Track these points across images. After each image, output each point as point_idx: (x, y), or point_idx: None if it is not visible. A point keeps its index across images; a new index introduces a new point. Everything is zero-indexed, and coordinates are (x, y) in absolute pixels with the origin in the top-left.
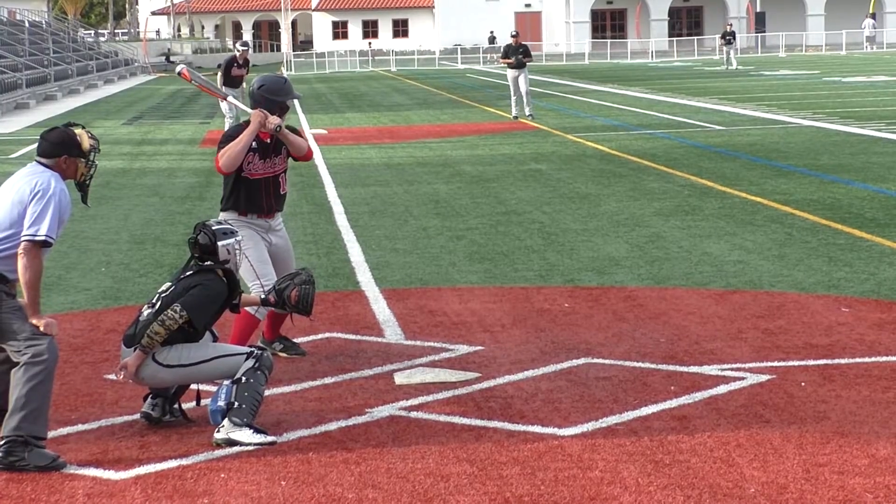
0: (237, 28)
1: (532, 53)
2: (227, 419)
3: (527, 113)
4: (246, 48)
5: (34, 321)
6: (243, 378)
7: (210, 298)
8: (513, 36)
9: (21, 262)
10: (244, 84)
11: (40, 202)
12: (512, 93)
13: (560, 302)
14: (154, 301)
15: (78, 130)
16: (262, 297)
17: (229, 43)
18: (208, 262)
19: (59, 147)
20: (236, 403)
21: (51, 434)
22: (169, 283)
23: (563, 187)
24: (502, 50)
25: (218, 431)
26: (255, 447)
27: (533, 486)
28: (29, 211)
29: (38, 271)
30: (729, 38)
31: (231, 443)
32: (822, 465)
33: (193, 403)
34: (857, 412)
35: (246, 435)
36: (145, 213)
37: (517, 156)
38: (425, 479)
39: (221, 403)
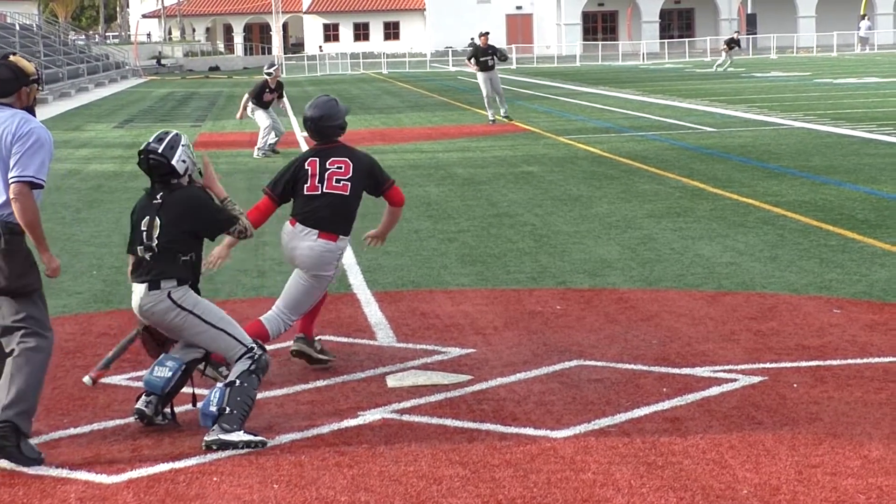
0: (228, 31)
1: (505, 54)
2: (217, 424)
3: (502, 114)
4: (273, 72)
5: (45, 259)
6: (237, 381)
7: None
8: (481, 35)
9: (17, 207)
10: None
11: (24, 144)
12: (484, 95)
13: (552, 304)
14: (144, 231)
15: (14, 58)
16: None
17: (220, 46)
18: (175, 182)
19: (14, 82)
20: (227, 409)
21: (43, 438)
22: (147, 218)
23: (555, 189)
24: (470, 51)
25: (208, 435)
26: (247, 451)
27: (525, 488)
28: (14, 154)
29: (35, 211)
30: (734, 44)
31: (222, 445)
32: (814, 466)
33: (189, 406)
34: (850, 413)
35: (237, 436)
36: None
37: (508, 158)
38: (418, 482)
39: (214, 408)
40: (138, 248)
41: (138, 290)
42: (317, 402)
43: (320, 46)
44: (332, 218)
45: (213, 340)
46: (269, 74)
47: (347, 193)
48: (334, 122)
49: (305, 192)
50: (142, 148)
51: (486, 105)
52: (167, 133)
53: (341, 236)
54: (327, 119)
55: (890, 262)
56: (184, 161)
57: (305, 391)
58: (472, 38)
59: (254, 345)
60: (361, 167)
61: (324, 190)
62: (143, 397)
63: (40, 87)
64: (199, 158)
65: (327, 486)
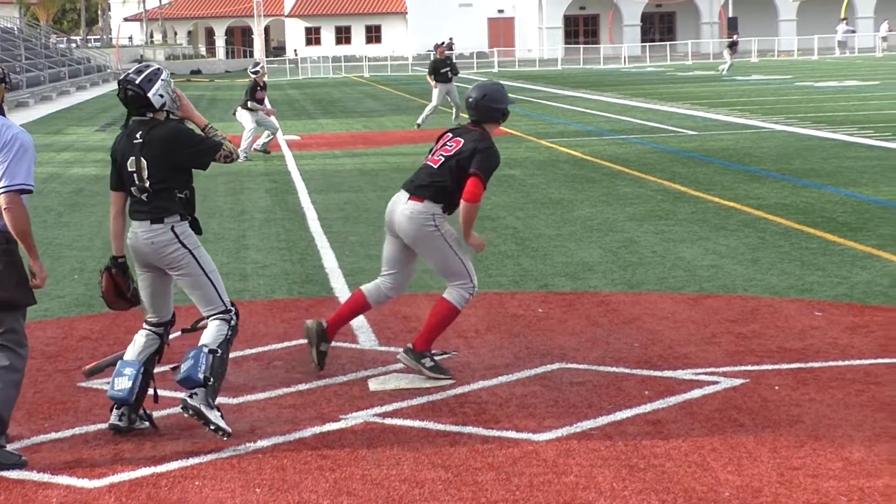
0: (210, 34)
1: (458, 69)
2: (202, 392)
3: (454, 122)
4: (260, 70)
5: (36, 267)
6: (219, 351)
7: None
8: (437, 47)
9: (9, 216)
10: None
11: (9, 151)
12: (433, 105)
13: (534, 307)
14: (134, 172)
15: None
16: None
17: (202, 49)
18: (151, 116)
19: None
20: (212, 380)
21: (24, 442)
22: (132, 158)
23: (537, 192)
24: (430, 66)
25: (191, 399)
26: (230, 454)
27: (508, 491)
28: (0, 162)
29: (27, 219)
30: (735, 46)
31: (198, 415)
32: (796, 468)
33: (169, 410)
34: (831, 416)
35: (214, 416)
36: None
37: None
38: (400, 486)
39: (200, 375)
40: (132, 189)
41: (139, 226)
42: (299, 405)
43: (295, 50)
44: (418, 182)
45: (200, 288)
46: (255, 73)
47: (436, 167)
48: (498, 104)
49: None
50: (121, 78)
51: (426, 111)
52: (148, 66)
53: (428, 200)
54: (489, 100)
55: (870, 264)
56: (161, 95)
57: (288, 395)
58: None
59: (232, 307)
60: (465, 148)
61: (427, 161)
62: (115, 410)
63: (7, 87)
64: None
65: (309, 489)
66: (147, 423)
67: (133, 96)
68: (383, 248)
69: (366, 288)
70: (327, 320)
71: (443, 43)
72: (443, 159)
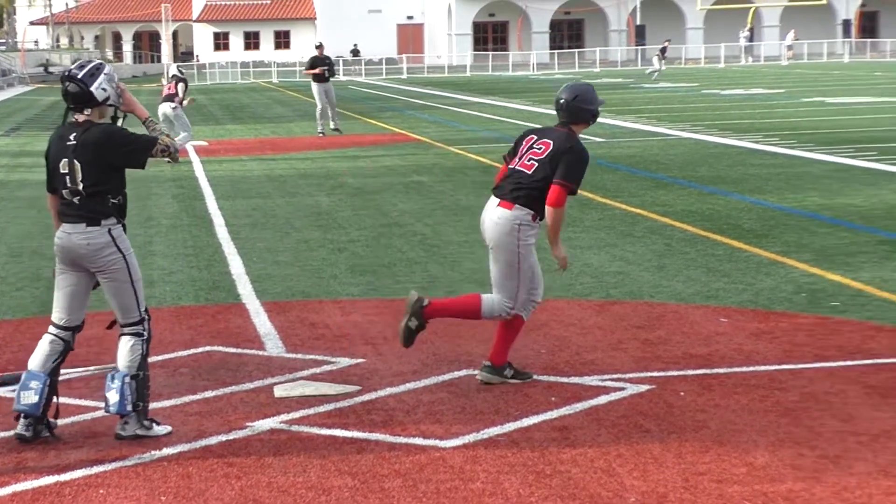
0: (117, 39)
1: (335, 70)
2: (134, 418)
3: (332, 127)
4: (178, 74)
5: None
6: (140, 374)
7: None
8: (317, 47)
9: None
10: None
11: None
12: (319, 107)
13: None
14: (67, 175)
15: None
16: None
17: (109, 54)
18: (85, 118)
19: None
20: (141, 405)
21: None
22: (64, 160)
23: (445, 199)
24: (308, 62)
25: (124, 429)
26: (134, 462)
27: (415, 498)
28: None
29: None
30: (664, 52)
31: (139, 438)
32: (701, 473)
33: (75, 417)
34: (736, 421)
35: (154, 432)
36: (23, 226)
37: (399, 168)
38: (307, 493)
39: (129, 407)
40: (64, 192)
41: (72, 227)
42: (205, 413)
43: (197, 56)
44: (510, 187)
45: (123, 295)
46: (175, 77)
47: (530, 172)
48: (589, 104)
49: (509, 165)
50: (63, 74)
51: (318, 116)
52: (90, 61)
53: (518, 206)
54: (581, 101)
55: (775, 271)
56: (104, 89)
57: (194, 402)
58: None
59: (146, 315)
60: (554, 152)
61: (516, 166)
62: (22, 420)
63: None
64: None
65: (215, 497)
66: (49, 433)
67: (76, 92)
68: (491, 268)
69: (484, 297)
70: (430, 301)
71: (321, 44)
72: (536, 164)
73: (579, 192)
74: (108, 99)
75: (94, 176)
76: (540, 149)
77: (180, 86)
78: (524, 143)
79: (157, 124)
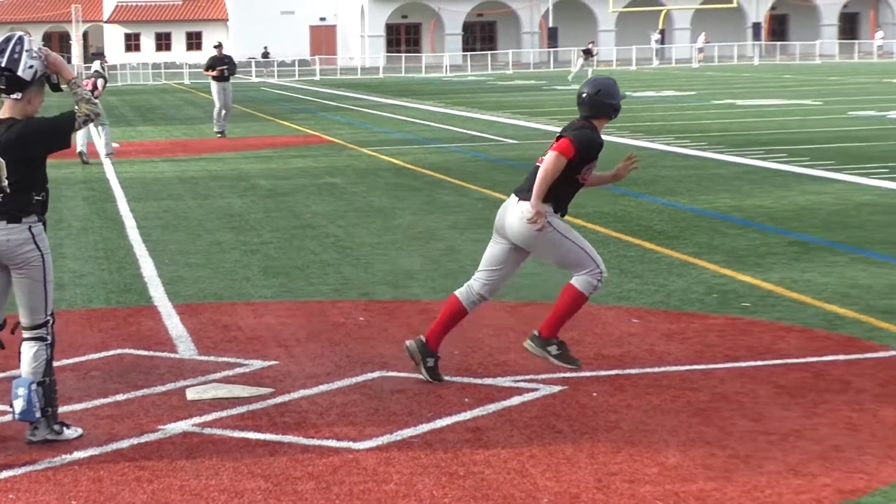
0: None
1: (235, 70)
2: (44, 423)
3: (217, 129)
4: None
5: None
6: (45, 379)
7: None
8: (216, 47)
9: None
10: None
11: None
12: (217, 107)
13: (355, 315)
14: None
15: None
16: None
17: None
18: (17, 95)
19: None
20: (49, 410)
21: None
22: None
23: (358, 201)
24: (207, 62)
25: (34, 434)
26: (44, 466)
27: (328, 500)
28: None
29: None
30: (589, 54)
31: (50, 442)
32: (613, 474)
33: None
34: (648, 421)
35: (65, 436)
36: None
37: (312, 169)
38: (219, 496)
39: (38, 414)
40: None
41: None
42: (116, 416)
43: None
44: (527, 185)
45: (34, 294)
46: (97, 73)
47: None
48: (611, 99)
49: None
50: None
51: (216, 117)
52: (7, 42)
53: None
54: (604, 95)
55: (686, 272)
56: (31, 66)
57: (105, 405)
58: (265, 47)
59: (50, 318)
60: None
61: (536, 163)
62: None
63: None
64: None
65: (127, 501)
66: None
67: (8, 79)
68: (486, 250)
69: (458, 292)
70: (425, 334)
71: (220, 43)
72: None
73: (493, 193)
74: (35, 74)
75: (19, 172)
76: (554, 144)
77: (100, 81)
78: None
79: (79, 87)
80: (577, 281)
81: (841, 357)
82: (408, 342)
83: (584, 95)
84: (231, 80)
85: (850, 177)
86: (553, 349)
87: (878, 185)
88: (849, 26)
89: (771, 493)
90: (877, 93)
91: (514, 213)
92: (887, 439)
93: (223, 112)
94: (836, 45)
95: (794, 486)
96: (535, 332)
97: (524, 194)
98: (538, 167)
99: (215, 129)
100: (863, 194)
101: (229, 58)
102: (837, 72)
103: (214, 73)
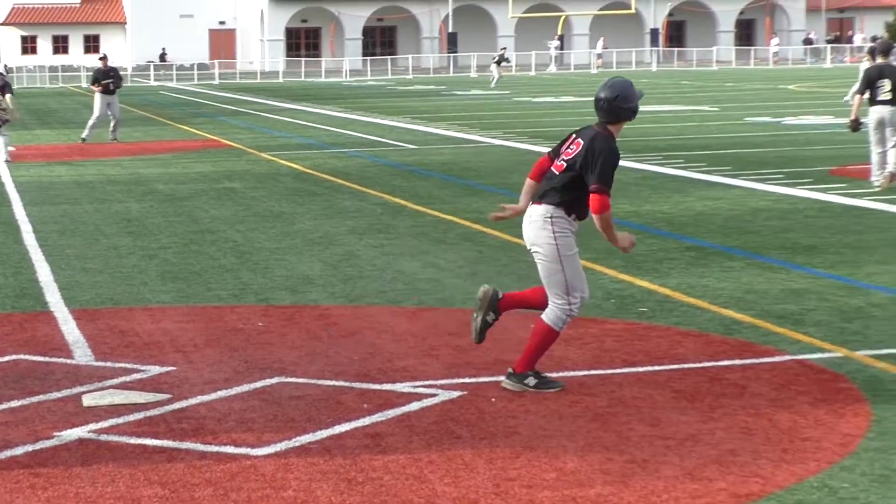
0: None
1: (121, 83)
2: None
3: (111, 137)
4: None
5: None
6: None
7: None
8: (101, 59)
9: None
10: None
11: None
12: (95, 116)
13: (254, 321)
14: None
15: None
16: None
17: None
18: None
19: None
20: None
21: None
22: None
23: (257, 206)
24: (92, 75)
25: None
26: None
27: None
28: None
29: None
30: (503, 60)
31: None
32: (511, 479)
33: None
34: (546, 426)
35: None
36: None
37: (211, 174)
38: (115, 503)
39: None
40: None
41: None
42: (10, 422)
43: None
44: (543, 192)
45: None
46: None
47: (559, 173)
48: (630, 103)
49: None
50: None
51: (90, 125)
52: None
53: (546, 203)
54: (622, 100)
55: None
56: None
57: None
58: (163, 48)
59: None
60: (583, 152)
61: (552, 167)
62: None
63: None
64: None
65: None
66: None
67: None
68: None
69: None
70: (505, 294)
71: (104, 55)
72: (565, 164)
73: (392, 198)
74: None
75: None
76: (571, 149)
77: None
78: (566, 142)
79: None
80: (548, 315)
81: (737, 362)
82: (485, 286)
83: (602, 101)
84: (116, 94)
85: (746, 182)
86: (531, 381)
87: (774, 191)
88: (745, 33)
89: (668, 498)
90: (772, 99)
91: (527, 218)
92: (782, 443)
93: (111, 122)
94: (732, 51)
95: (690, 491)
96: (510, 370)
97: (537, 199)
98: (555, 173)
99: (83, 136)
100: (759, 200)
101: (115, 70)
102: (734, 78)
103: (99, 88)
